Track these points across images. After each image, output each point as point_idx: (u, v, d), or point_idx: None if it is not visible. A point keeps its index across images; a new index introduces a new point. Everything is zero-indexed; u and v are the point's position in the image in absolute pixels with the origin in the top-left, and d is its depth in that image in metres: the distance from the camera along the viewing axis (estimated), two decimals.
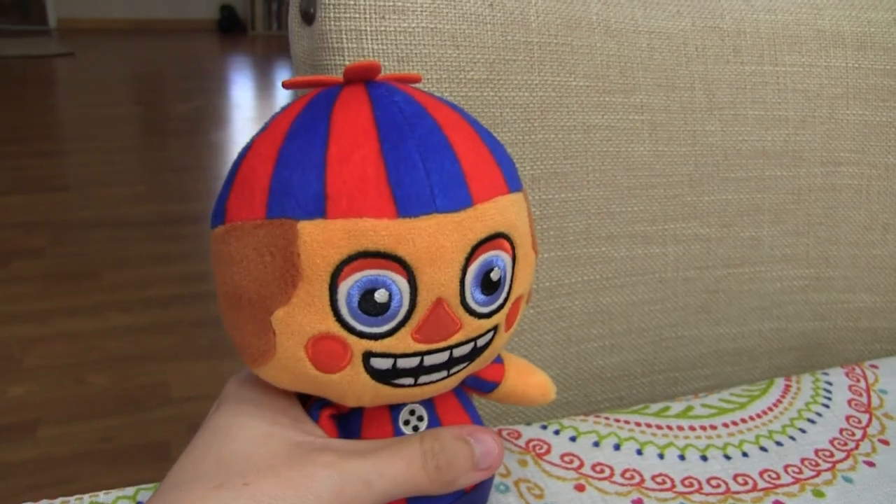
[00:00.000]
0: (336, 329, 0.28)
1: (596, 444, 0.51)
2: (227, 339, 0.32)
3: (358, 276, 0.28)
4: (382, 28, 0.50)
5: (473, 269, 0.29)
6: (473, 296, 0.30)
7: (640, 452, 0.51)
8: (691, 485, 0.48)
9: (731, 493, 0.48)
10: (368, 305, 0.28)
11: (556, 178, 0.57)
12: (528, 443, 0.51)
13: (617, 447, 0.51)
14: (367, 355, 0.29)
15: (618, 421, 0.53)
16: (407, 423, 0.34)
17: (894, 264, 0.70)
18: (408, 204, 0.28)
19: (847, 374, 0.61)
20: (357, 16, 0.50)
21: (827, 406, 0.57)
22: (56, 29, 5.80)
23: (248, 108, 4.27)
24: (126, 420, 1.58)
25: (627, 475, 0.49)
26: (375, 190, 0.28)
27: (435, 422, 0.35)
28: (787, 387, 0.59)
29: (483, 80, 0.53)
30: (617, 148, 0.59)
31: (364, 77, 0.31)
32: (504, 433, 0.52)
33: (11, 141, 3.32)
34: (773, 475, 0.50)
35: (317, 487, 0.29)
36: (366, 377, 0.30)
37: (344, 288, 0.28)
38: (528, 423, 0.53)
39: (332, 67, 0.50)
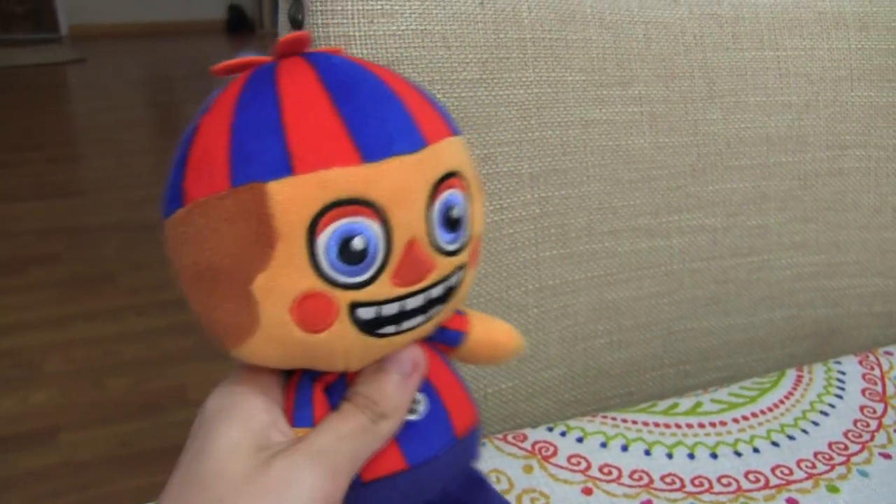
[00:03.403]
0: (319, 285, 0.29)
1: (603, 445, 0.50)
2: None
3: (334, 226, 0.28)
4: (371, 32, 0.49)
5: (436, 208, 0.30)
6: (440, 234, 0.31)
7: (648, 453, 0.50)
8: (701, 484, 0.48)
9: (742, 491, 0.47)
10: (347, 255, 0.28)
11: (555, 174, 0.57)
12: (534, 445, 0.50)
13: (625, 448, 0.50)
14: (353, 306, 0.29)
15: (625, 421, 0.53)
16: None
17: None
18: (370, 150, 0.29)
19: (860, 363, 0.60)
20: (345, 21, 0.49)
21: (840, 397, 0.56)
22: (68, 36, 5.83)
23: None
24: (146, 424, 1.58)
25: (636, 476, 0.48)
26: (337, 141, 0.29)
27: (432, 394, 0.35)
28: (799, 378, 0.58)
29: (476, 80, 0.52)
30: (616, 141, 0.58)
31: (296, 50, 0.32)
32: (509, 437, 0.51)
33: (26, 148, 3.33)
34: (786, 471, 0.49)
35: (293, 480, 0.29)
36: (353, 330, 0.30)
37: (322, 241, 0.28)
38: (535, 426, 0.53)
39: None
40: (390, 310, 0.30)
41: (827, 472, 0.49)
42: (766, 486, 0.47)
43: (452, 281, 0.32)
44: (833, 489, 0.47)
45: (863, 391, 0.57)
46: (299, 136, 0.29)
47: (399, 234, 0.29)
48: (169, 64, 5.12)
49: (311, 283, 0.29)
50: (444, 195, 0.31)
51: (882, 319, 0.71)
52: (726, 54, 0.60)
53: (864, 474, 0.48)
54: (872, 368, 0.59)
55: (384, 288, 0.29)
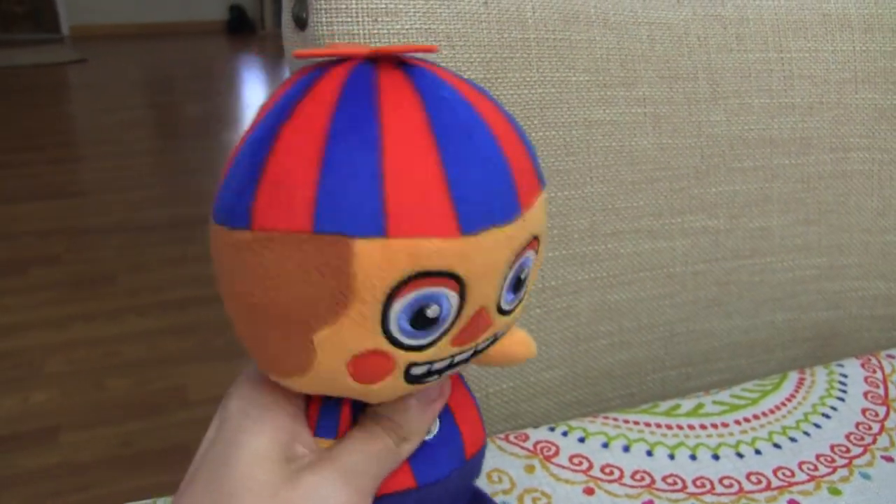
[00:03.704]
0: (384, 345, 0.28)
1: (605, 446, 0.50)
2: None
3: (414, 294, 0.27)
4: (375, 31, 0.49)
5: (511, 275, 0.29)
6: (507, 298, 0.30)
7: (650, 453, 0.50)
8: (703, 485, 0.48)
9: (744, 492, 0.47)
10: (419, 321, 0.27)
11: (558, 175, 0.57)
12: (535, 445, 0.50)
13: (626, 448, 0.50)
14: (410, 366, 0.29)
15: (627, 422, 0.53)
16: None
17: None
18: (470, 221, 0.26)
19: (863, 365, 0.60)
20: (349, 19, 0.49)
21: (842, 399, 0.56)
22: (69, 36, 5.83)
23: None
24: (146, 424, 1.58)
25: (637, 477, 0.48)
26: (438, 207, 0.26)
27: (448, 416, 0.35)
28: (801, 380, 0.58)
29: (480, 80, 0.52)
30: (620, 142, 0.58)
31: (395, 57, 0.29)
32: (511, 437, 0.51)
33: (26, 148, 3.33)
34: (788, 473, 0.49)
35: (322, 497, 0.29)
36: (402, 382, 0.29)
37: (398, 306, 0.27)
38: (536, 426, 0.52)
39: None
40: (441, 365, 0.30)
41: (829, 474, 0.49)
42: (768, 487, 0.47)
43: (501, 332, 0.32)
44: (835, 491, 0.47)
45: (865, 394, 0.56)
46: (398, 193, 0.26)
47: (473, 303, 0.28)
48: (170, 65, 5.13)
49: (377, 343, 0.27)
50: (520, 262, 0.29)
51: (884, 322, 0.71)
52: (730, 56, 0.60)
53: (866, 477, 0.48)
54: (875, 371, 0.59)
55: (443, 350, 0.29)
